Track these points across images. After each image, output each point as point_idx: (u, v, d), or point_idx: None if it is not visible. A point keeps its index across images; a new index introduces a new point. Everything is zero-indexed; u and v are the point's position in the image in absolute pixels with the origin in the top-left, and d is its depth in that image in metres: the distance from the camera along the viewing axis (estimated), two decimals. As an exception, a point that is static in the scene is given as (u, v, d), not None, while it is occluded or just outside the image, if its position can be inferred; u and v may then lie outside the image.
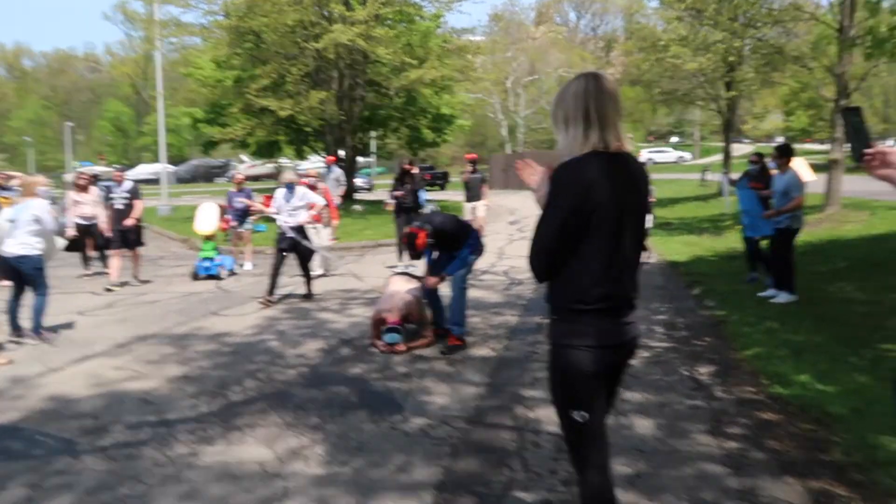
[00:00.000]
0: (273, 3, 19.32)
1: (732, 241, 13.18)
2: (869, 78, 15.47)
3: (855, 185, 16.67)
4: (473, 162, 13.15)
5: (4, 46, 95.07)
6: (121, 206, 9.89)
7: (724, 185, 9.22)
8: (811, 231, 11.65)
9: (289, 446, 3.93)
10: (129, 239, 9.97)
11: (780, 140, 37.54)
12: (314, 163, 33.14)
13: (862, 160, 2.06)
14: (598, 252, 2.17)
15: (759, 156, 8.88)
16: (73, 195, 11.09)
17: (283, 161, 39.56)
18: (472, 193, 12.94)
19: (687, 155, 52.64)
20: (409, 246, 6.00)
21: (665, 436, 3.90)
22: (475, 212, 12.83)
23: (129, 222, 9.86)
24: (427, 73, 20.97)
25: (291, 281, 9.49)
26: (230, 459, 3.76)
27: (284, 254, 8.45)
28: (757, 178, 8.33)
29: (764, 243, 8.21)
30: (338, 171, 14.69)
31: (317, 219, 9.92)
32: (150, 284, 10.14)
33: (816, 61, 15.04)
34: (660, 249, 12.56)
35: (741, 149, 48.53)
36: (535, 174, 2.36)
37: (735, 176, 8.85)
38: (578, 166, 2.15)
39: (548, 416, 4.25)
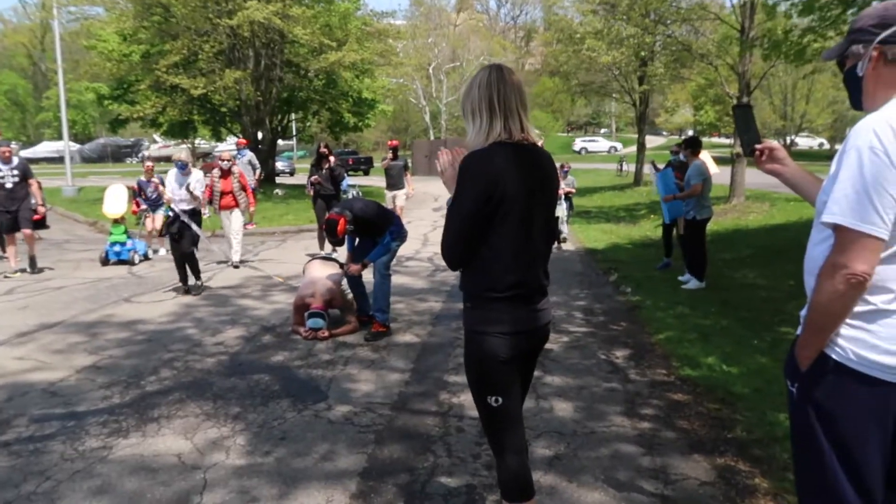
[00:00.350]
0: (182, -26, 18.52)
1: (647, 229, 13.74)
2: (768, 77, 16.44)
3: (757, 177, 17.65)
4: (395, 149, 12.97)
5: None
6: (10, 186, 9.02)
7: (652, 173, 9.59)
8: (718, 221, 12.28)
9: (208, 437, 3.82)
10: (23, 218, 9.10)
11: (690, 133, 39.31)
12: (230, 145, 32.09)
13: (751, 154, 2.19)
14: (508, 240, 2.21)
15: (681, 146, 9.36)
16: None
17: (199, 142, 38.12)
18: (394, 181, 12.73)
19: (619, 145, 54.21)
20: (329, 233, 5.93)
21: (583, 418, 4.04)
22: (395, 200, 12.69)
23: (40, 211, 9.24)
24: (346, 55, 20.66)
25: (211, 267, 9.20)
26: (146, 452, 3.63)
27: (177, 239, 7.81)
28: (681, 167, 8.69)
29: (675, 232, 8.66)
30: (249, 155, 14.27)
31: (232, 204, 9.61)
32: (52, 271, 9.58)
33: (720, 59, 15.82)
34: (579, 237, 12.94)
35: (655, 140, 50.58)
36: (439, 157, 2.40)
37: (660, 165, 9.23)
38: (484, 157, 2.18)
39: (471, 402, 4.27)
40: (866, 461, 1.81)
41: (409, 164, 13.05)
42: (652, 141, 48.84)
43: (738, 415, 4.00)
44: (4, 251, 10.68)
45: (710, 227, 8.42)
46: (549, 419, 4.04)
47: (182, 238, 7.78)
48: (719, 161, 12.36)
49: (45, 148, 53.97)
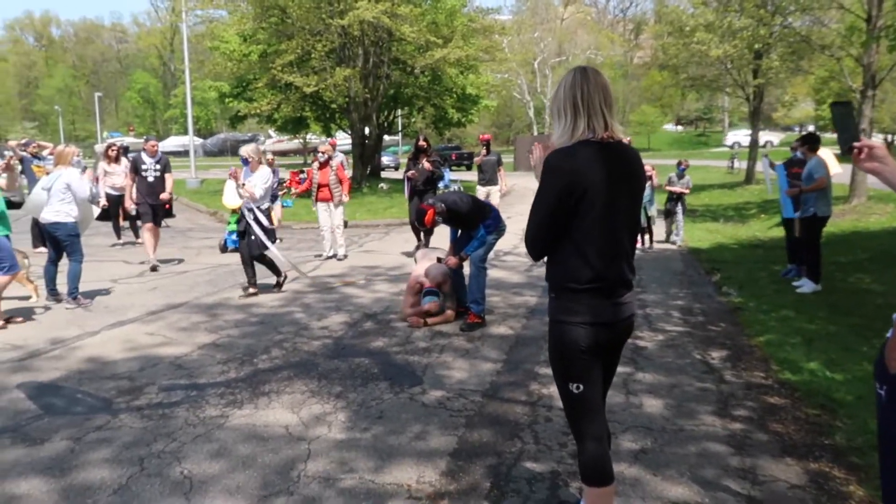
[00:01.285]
0: (298, -23, 19.43)
1: (756, 229, 13.17)
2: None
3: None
4: (487, 143, 12.27)
5: (33, 15, 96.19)
6: (152, 179, 9.42)
7: (766, 170, 9.14)
8: (834, 222, 11.58)
9: (312, 412, 4.14)
10: (158, 214, 9.60)
11: (811, 128, 36.91)
12: (340, 140, 33.32)
13: (850, 153, 2.16)
14: (590, 235, 2.32)
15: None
16: (104, 165, 11.46)
17: (311, 137, 39.80)
18: (487, 177, 11.94)
19: (774, 138, 47.88)
20: (419, 221, 6.25)
21: (673, 415, 4.05)
22: (489, 198, 11.86)
23: (164, 196, 9.50)
24: (452, 52, 20.96)
25: (316, 261, 9.71)
26: (257, 422, 3.99)
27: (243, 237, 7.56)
28: (798, 165, 8.27)
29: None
30: (340, 156, 14.32)
31: (329, 197, 9.93)
32: (176, 256, 10.42)
33: (844, 51, 14.82)
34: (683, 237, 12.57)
35: (772, 137, 47.66)
36: (538, 154, 2.58)
37: (777, 162, 8.82)
38: (566, 153, 2.32)
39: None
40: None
41: (502, 160, 12.35)
42: (768, 137, 46.18)
43: (837, 421, 3.88)
44: (137, 237, 11.72)
45: (825, 228, 7.98)
46: (637, 414, 4.07)
47: (246, 237, 7.48)
48: (840, 159, 11.61)
49: (172, 142, 58.06)
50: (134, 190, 9.46)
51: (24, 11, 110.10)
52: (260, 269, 7.64)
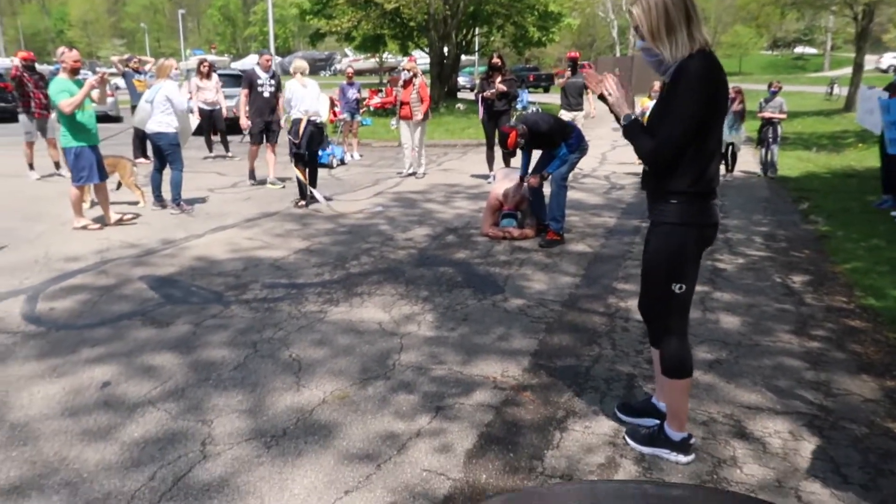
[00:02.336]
0: None
1: (851, 158, 12.58)
2: None
3: None
4: (574, 62, 11.09)
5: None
6: (267, 95, 9.15)
7: (873, 99, 8.45)
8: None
9: (402, 312, 4.46)
10: (273, 131, 9.33)
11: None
12: (418, 59, 33.03)
13: None
14: (714, 143, 2.52)
15: None
16: (195, 81, 11.93)
17: (387, 56, 39.61)
18: (572, 101, 10.96)
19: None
20: (501, 143, 6.31)
21: (749, 332, 4.16)
22: (575, 123, 10.56)
23: (282, 121, 9.29)
24: (536, -34, 20.25)
25: (397, 178, 9.97)
26: (353, 318, 4.34)
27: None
28: (893, 90, 7.80)
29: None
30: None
31: (410, 116, 10.01)
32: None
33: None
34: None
35: (875, 62, 44.05)
36: (604, 81, 2.65)
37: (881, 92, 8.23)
38: (714, 64, 2.42)
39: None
40: None
41: None
42: (874, 62, 42.74)
43: (919, 345, 3.90)
44: (228, 151, 12.27)
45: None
46: (713, 329, 4.20)
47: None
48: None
49: (252, 60, 58.78)
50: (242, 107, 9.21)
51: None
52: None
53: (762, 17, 52.61)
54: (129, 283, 5.01)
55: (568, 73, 11.19)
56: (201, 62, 12.35)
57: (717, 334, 4.12)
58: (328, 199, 8.22)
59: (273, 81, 9.24)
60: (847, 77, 24.49)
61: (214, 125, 12.12)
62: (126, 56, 12.61)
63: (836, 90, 28.31)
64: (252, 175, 9.66)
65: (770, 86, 10.99)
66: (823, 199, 8.59)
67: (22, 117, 9.91)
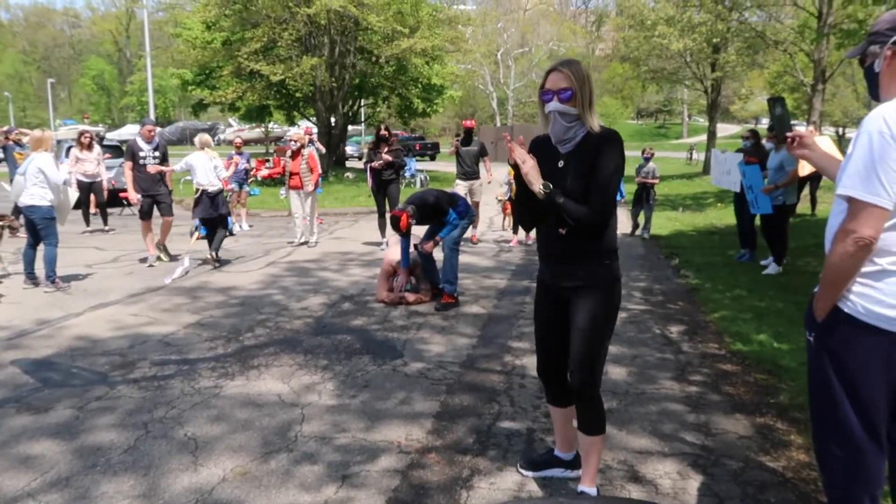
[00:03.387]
0: (265, -35, 19.39)
1: (712, 217, 13.77)
2: (850, 64, 16.02)
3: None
4: (469, 131, 10.63)
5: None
6: (150, 167, 8.62)
7: (725, 162, 9.25)
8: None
9: (302, 382, 4.40)
10: (163, 203, 8.87)
11: (765, 122, 38.05)
12: (301, 129, 33.21)
13: (784, 141, 2.55)
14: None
15: (753, 132, 9.35)
16: (76, 152, 11.45)
17: (273, 126, 39.53)
18: (467, 169, 10.31)
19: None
20: (394, 227, 6.43)
21: (635, 381, 4.43)
22: (471, 195, 10.25)
23: (164, 169, 8.80)
24: (418, 42, 21.18)
25: (288, 247, 9.88)
26: (251, 392, 4.23)
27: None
28: (751, 154, 8.67)
29: (757, 220, 8.55)
30: (315, 144, 13.81)
31: (299, 185, 10.08)
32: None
33: (796, 46, 15.53)
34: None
35: (728, 129, 49.06)
36: (515, 150, 2.70)
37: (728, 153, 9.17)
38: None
39: (533, 364, 4.73)
40: (872, 399, 2.15)
41: (487, 149, 10.77)
42: (725, 129, 47.51)
43: (782, 384, 4.31)
44: (106, 224, 11.72)
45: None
46: (604, 380, 4.41)
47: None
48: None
49: (128, 130, 56.71)
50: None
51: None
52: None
53: (626, 89, 57.41)
54: (0, 369, 4.63)
55: (456, 141, 10.72)
56: (82, 133, 11.89)
57: (607, 385, 4.34)
58: (186, 271, 8.18)
59: (157, 153, 8.74)
60: (703, 143, 26.98)
61: (93, 198, 11.62)
62: (6, 128, 11.96)
63: (694, 155, 31.08)
64: (158, 252, 8.86)
65: (643, 152, 11.97)
66: (691, 255, 9.34)
67: None
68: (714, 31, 16.93)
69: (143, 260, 8.80)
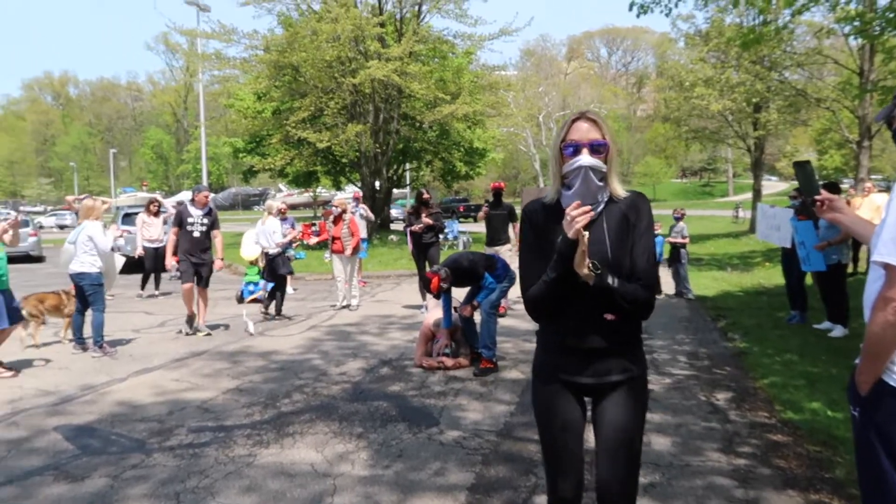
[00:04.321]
0: (312, 39, 20.31)
1: (760, 277, 13.39)
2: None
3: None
4: (498, 193, 10.25)
5: (52, 75, 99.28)
6: (198, 234, 8.39)
7: (774, 217, 8.91)
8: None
9: (336, 451, 4.35)
10: (202, 275, 8.48)
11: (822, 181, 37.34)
12: (348, 193, 34.04)
13: (813, 205, 2.46)
14: None
15: (799, 191, 9.14)
16: (143, 217, 12.08)
17: (321, 190, 40.58)
18: (495, 234, 10.02)
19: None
20: (426, 289, 6.48)
21: (679, 452, 4.24)
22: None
23: (218, 265, 8.70)
24: (459, 108, 21.68)
25: (331, 310, 9.97)
26: (284, 461, 4.20)
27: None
28: (800, 212, 8.47)
29: (808, 280, 8.29)
30: (362, 208, 13.78)
31: (341, 250, 10.29)
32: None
33: (839, 103, 15.33)
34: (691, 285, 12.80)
35: (774, 186, 48.32)
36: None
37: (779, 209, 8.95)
38: None
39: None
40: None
41: (515, 213, 9.95)
42: (772, 187, 46.80)
43: (837, 457, 4.06)
44: (157, 289, 12.09)
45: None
46: (646, 451, 4.25)
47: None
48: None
49: (184, 197, 59.06)
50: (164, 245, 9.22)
51: (44, 72, 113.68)
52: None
53: (669, 149, 57.30)
54: (43, 435, 4.72)
55: (485, 208, 10.32)
56: (151, 201, 12.60)
57: (650, 457, 4.17)
58: (250, 333, 8.46)
59: (207, 220, 8.46)
60: (749, 201, 26.55)
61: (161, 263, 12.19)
62: (82, 196, 12.66)
63: (740, 213, 30.56)
64: (190, 320, 8.47)
65: (674, 212, 11.83)
66: (739, 317, 9.06)
67: None
68: (753, 91, 16.86)
69: (190, 322, 8.46)
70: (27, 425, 4.94)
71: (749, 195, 30.48)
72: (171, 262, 8.87)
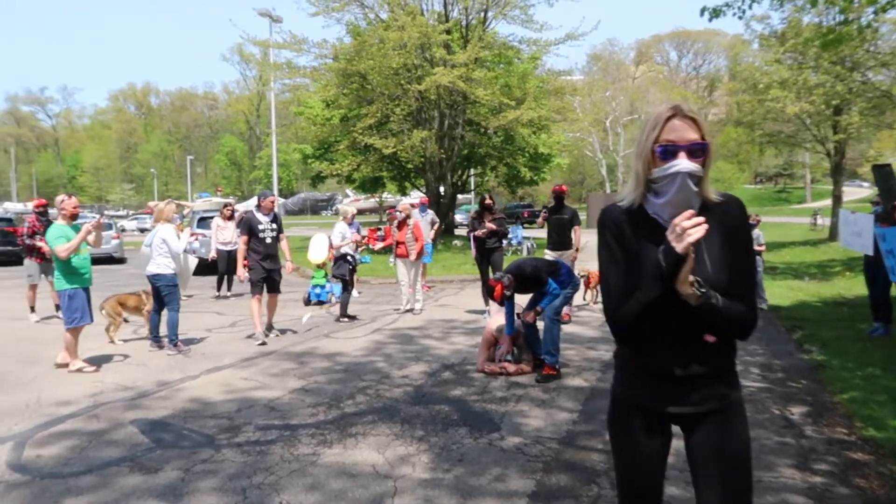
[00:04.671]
0: (379, 47, 20.63)
1: (840, 287, 12.77)
2: None
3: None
4: (559, 196, 9.72)
5: (135, 86, 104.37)
6: (269, 241, 8.32)
7: (857, 223, 8.34)
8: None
9: (397, 454, 4.38)
10: (275, 280, 8.50)
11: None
12: (413, 199, 34.44)
13: (893, 210, 2.32)
14: None
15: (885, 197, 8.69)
16: (217, 221, 12.57)
17: (386, 196, 41.17)
18: (557, 239, 9.55)
19: None
20: (489, 296, 6.47)
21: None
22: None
23: (288, 268, 8.89)
24: (524, 113, 21.56)
25: (394, 314, 10.08)
26: (346, 461, 4.26)
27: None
28: (883, 219, 8.03)
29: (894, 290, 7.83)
30: (431, 213, 14.04)
31: (405, 254, 10.40)
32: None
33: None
34: (766, 294, 12.34)
35: (856, 192, 46.01)
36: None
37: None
38: None
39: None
40: None
41: (578, 217, 9.78)
42: (854, 193, 44.60)
43: (924, 478, 3.82)
44: (230, 290, 12.50)
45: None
46: (714, 465, 4.11)
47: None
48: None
49: (254, 202, 60.99)
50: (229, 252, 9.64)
51: (128, 83, 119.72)
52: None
53: (742, 154, 55.42)
54: (120, 428, 4.95)
55: (545, 212, 9.87)
56: (225, 205, 13.13)
57: (718, 470, 4.03)
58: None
59: (275, 225, 8.42)
60: (829, 208, 25.36)
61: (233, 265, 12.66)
62: (166, 201, 13.38)
63: (819, 220, 29.23)
64: (264, 330, 8.39)
65: (749, 219, 11.35)
66: (817, 328, 8.65)
67: (26, 261, 10.15)
68: (833, 93, 16.06)
69: (250, 336, 8.38)
70: (107, 418, 5.19)
71: (828, 201, 29.15)
72: (242, 272, 8.52)
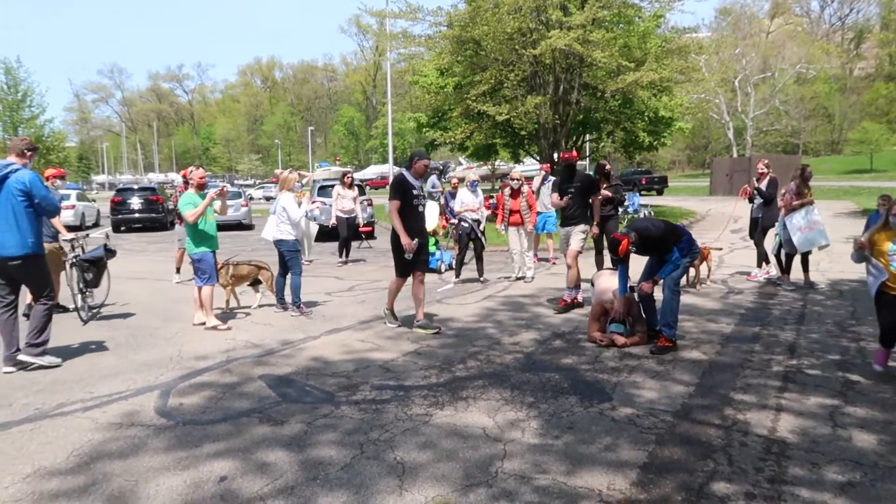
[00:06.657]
0: (493, 12, 20.35)
1: None
2: None
3: None
4: (570, 164, 8.81)
5: (261, 60, 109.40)
6: (421, 210, 7.15)
7: None
8: None
9: (507, 418, 4.43)
10: (423, 259, 7.24)
11: None
12: (528, 166, 34.08)
13: None
14: None
15: None
16: (338, 189, 13.11)
17: (499, 163, 41.02)
18: (570, 212, 8.40)
19: None
20: (612, 251, 6.28)
21: (887, 452, 3.79)
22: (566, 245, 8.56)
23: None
24: (644, 75, 20.61)
25: (505, 282, 10.10)
26: (457, 423, 4.36)
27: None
28: None
29: None
30: (552, 179, 13.99)
31: (520, 221, 10.35)
32: (378, 276, 11.35)
33: None
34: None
35: None
36: None
37: None
38: None
39: (758, 420, 4.31)
40: None
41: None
42: None
43: None
44: (347, 256, 13.02)
45: None
46: (845, 447, 3.86)
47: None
48: None
49: (372, 171, 62.88)
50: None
51: (254, 58, 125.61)
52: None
53: (893, 112, 50.35)
54: (250, 382, 5.32)
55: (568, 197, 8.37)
56: (345, 174, 13.65)
57: (850, 453, 3.78)
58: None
59: (423, 192, 7.25)
60: None
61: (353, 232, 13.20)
62: (288, 169, 14.14)
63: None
64: (392, 315, 7.41)
65: None
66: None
67: (178, 226, 11.03)
68: None
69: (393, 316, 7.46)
70: (238, 372, 5.60)
71: None
72: (408, 241, 6.84)
